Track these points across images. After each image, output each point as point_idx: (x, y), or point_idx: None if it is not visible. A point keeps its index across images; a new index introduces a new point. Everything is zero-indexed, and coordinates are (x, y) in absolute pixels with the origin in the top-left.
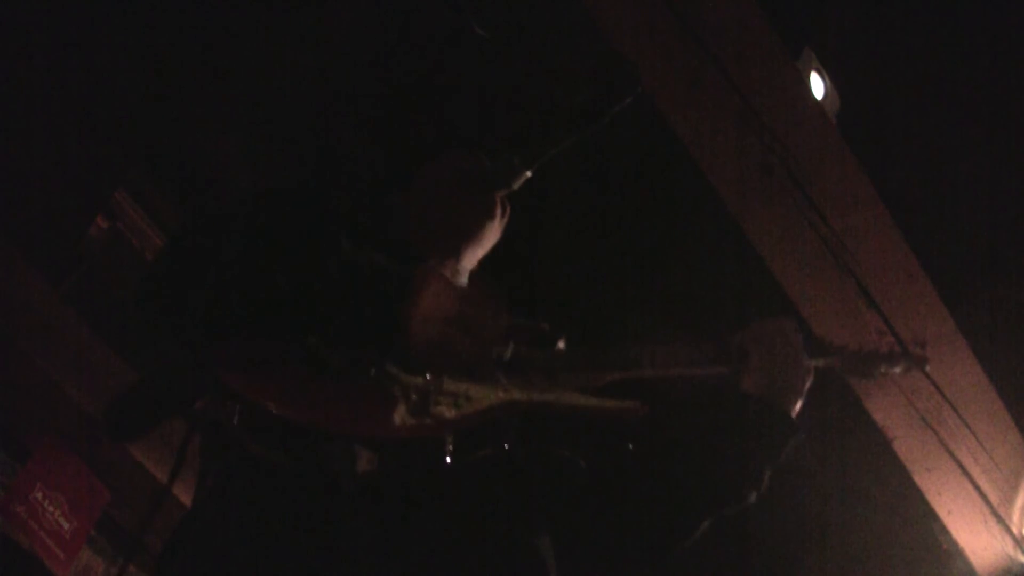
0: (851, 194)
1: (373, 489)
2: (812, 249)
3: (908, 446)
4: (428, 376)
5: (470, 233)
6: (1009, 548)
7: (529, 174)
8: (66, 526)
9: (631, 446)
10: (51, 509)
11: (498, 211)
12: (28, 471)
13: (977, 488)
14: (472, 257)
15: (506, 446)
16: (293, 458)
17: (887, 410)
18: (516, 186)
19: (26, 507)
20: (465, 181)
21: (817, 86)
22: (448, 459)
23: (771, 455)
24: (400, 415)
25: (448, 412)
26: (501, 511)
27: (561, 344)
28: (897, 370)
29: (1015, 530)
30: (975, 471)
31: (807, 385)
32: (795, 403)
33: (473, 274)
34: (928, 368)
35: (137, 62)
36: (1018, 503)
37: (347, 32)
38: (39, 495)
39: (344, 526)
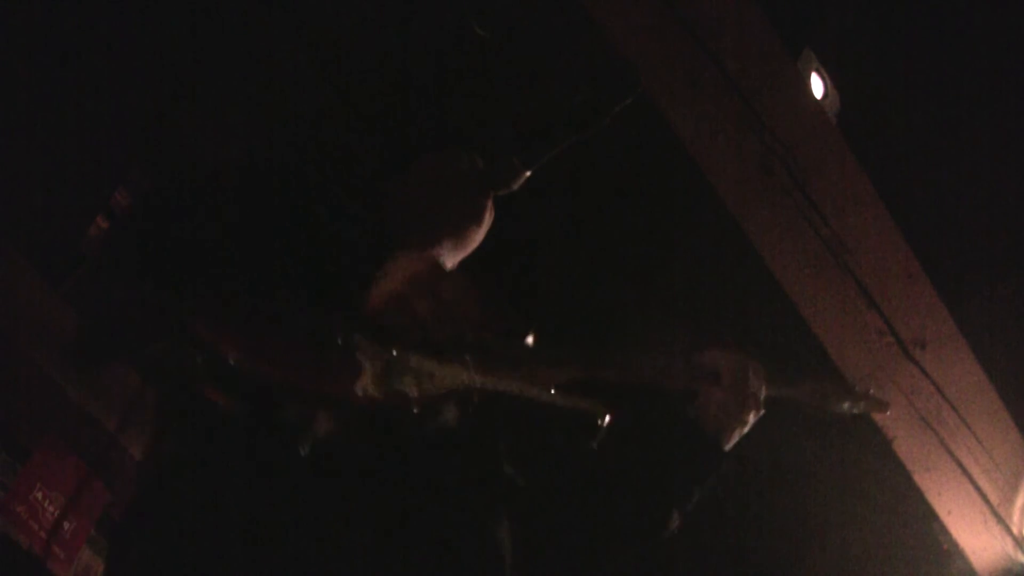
0: (851, 194)
1: (329, 454)
2: (812, 249)
3: (908, 446)
4: (394, 351)
5: (454, 232)
6: (1009, 548)
7: (529, 174)
8: (66, 526)
9: (593, 446)
10: (51, 509)
11: (486, 216)
12: (28, 471)
13: (977, 488)
14: (452, 257)
15: (465, 428)
16: (252, 411)
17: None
18: (516, 186)
19: (26, 507)
20: (457, 180)
21: (817, 86)
22: (406, 434)
23: (698, 484)
24: (362, 384)
25: (410, 388)
26: (458, 494)
27: (529, 339)
28: (856, 411)
29: (1015, 530)
30: (975, 471)
31: (752, 421)
32: (736, 436)
33: (455, 266)
34: (926, 360)
35: (137, 62)
36: (1018, 503)
37: (347, 32)
38: (39, 495)
39: (298, 489)
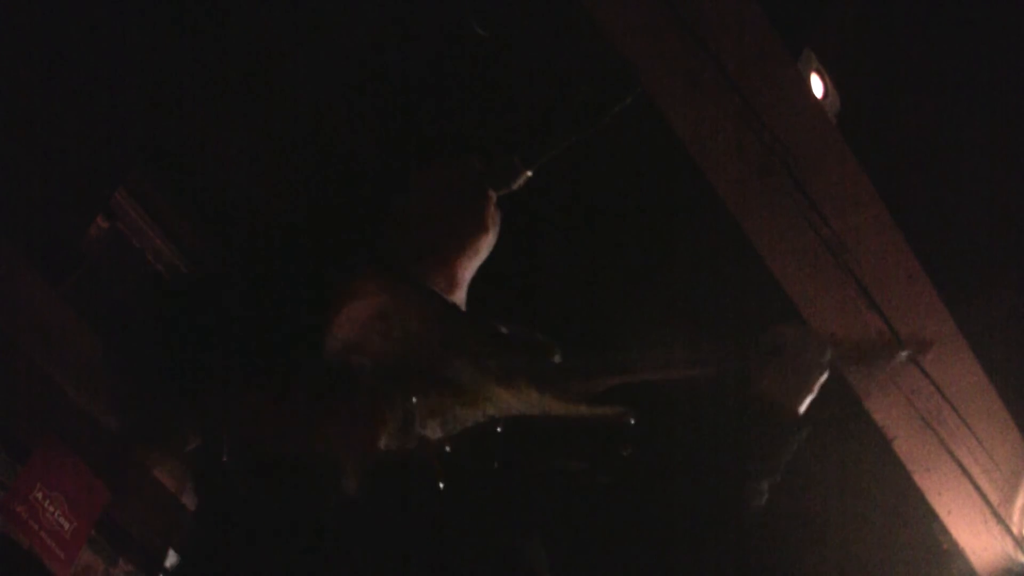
0: (851, 194)
1: (360, 509)
2: (812, 249)
3: (908, 446)
4: (414, 399)
5: (464, 242)
6: (1009, 548)
7: (529, 174)
8: (66, 526)
9: (625, 453)
10: (51, 509)
11: (490, 221)
12: (28, 471)
13: (977, 488)
14: (467, 268)
15: (495, 463)
16: (279, 487)
17: (887, 410)
18: (516, 186)
19: (26, 507)
20: (460, 189)
21: (817, 86)
22: (437, 479)
23: (780, 454)
24: (385, 436)
25: (433, 432)
26: (494, 526)
27: (557, 356)
28: (899, 360)
29: (1015, 530)
30: (975, 471)
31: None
32: (807, 401)
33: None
34: (926, 360)
35: (137, 62)
36: (1018, 503)
37: (347, 32)
38: (39, 495)
39: (332, 547)
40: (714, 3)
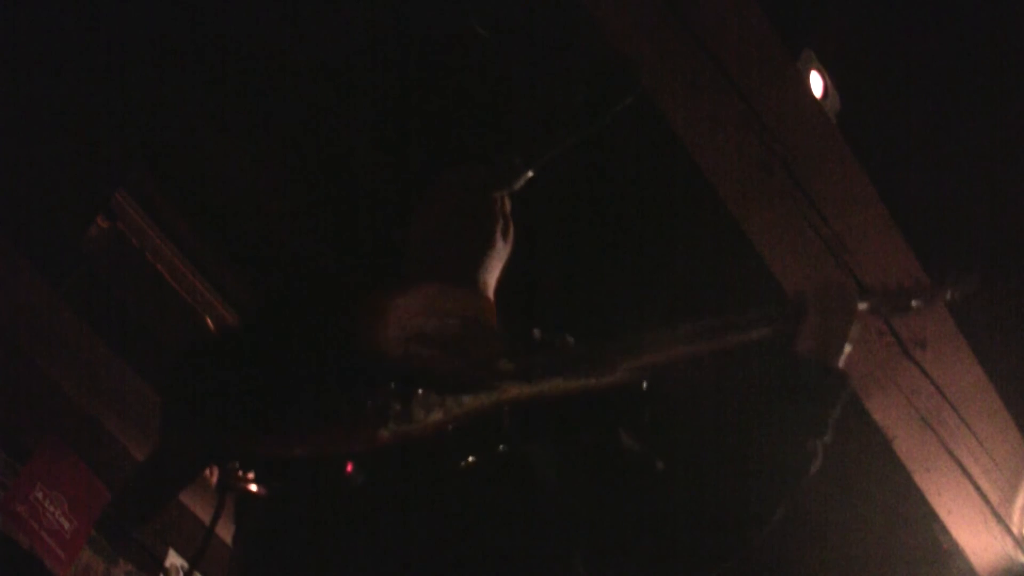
0: (851, 194)
1: (369, 500)
2: (812, 249)
3: (908, 446)
4: (419, 390)
5: (479, 256)
6: (1009, 548)
7: (530, 174)
8: (66, 526)
9: (645, 422)
10: (51, 509)
11: (500, 229)
12: (28, 471)
13: (977, 488)
14: (490, 275)
15: (501, 446)
16: (292, 489)
17: (887, 410)
18: (517, 186)
19: (26, 507)
20: (463, 206)
21: (817, 86)
22: (443, 462)
23: (829, 413)
24: (387, 430)
25: (436, 416)
26: (507, 512)
27: (569, 340)
28: (939, 301)
29: (1015, 530)
30: (975, 471)
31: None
32: (844, 351)
33: (461, 290)
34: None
35: (137, 62)
36: (1018, 503)
37: (347, 32)
38: (39, 495)
39: (346, 541)
40: (714, 3)
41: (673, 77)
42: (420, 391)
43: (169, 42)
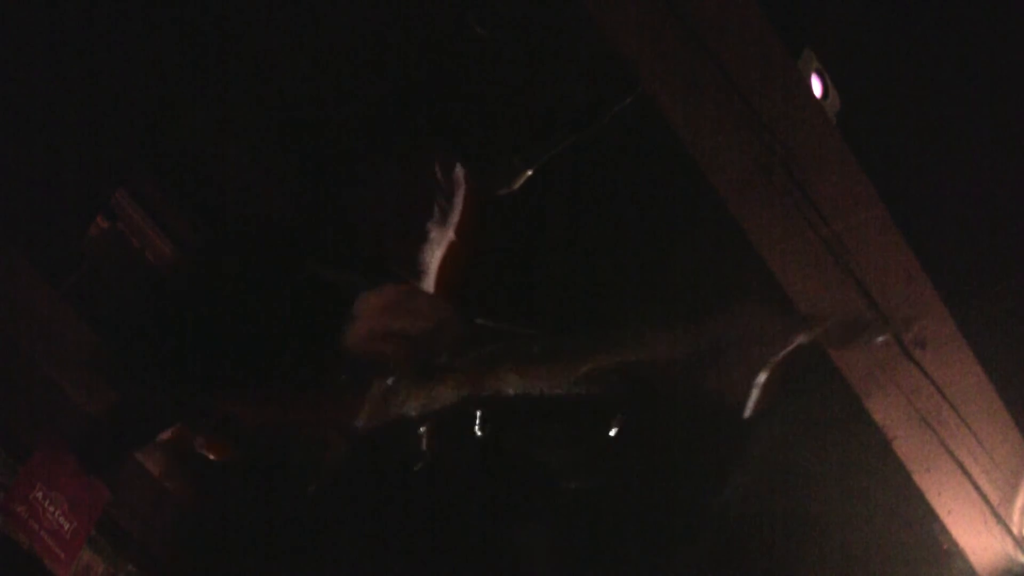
0: (851, 194)
1: (342, 482)
2: (812, 249)
3: (908, 446)
4: (392, 377)
5: (427, 232)
6: (1009, 548)
7: (529, 173)
8: (66, 526)
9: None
10: (51, 509)
11: (441, 206)
12: (28, 471)
13: (977, 488)
14: (432, 254)
15: (471, 442)
16: (268, 458)
17: (887, 410)
18: (516, 185)
19: (26, 507)
20: (411, 178)
21: (817, 86)
22: (415, 455)
23: (741, 451)
24: (363, 414)
25: (412, 411)
26: (470, 505)
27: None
28: (879, 339)
29: (1015, 530)
30: (975, 471)
31: (772, 377)
32: (759, 396)
33: (421, 286)
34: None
35: (137, 62)
36: (1018, 503)
37: (347, 32)
38: (39, 495)
39: (318, 517)
40: (714, 3)
41: (673, 77)
42: (388, 381)
43: (170, 41)
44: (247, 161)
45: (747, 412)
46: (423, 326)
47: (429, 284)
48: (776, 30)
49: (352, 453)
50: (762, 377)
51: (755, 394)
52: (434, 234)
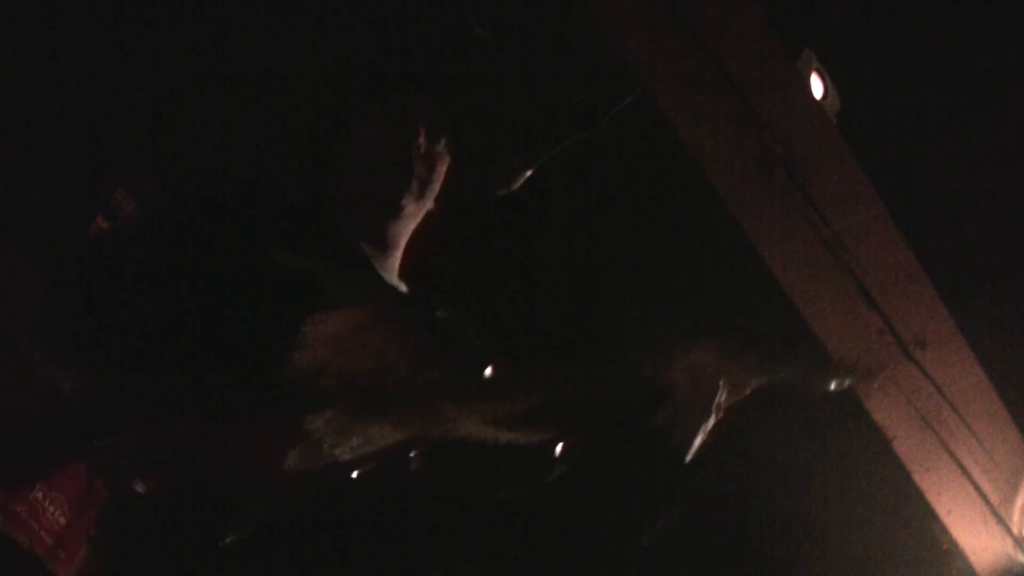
0: (851, 194)
1: (271, 532)
2: (812, 249)
3: (908, 446)
4: (327, 416)
5: (398, 204)
6: (1009, 548)
7: (529, 173)
8: (66, 526)
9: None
10: (51, 509)
11: (416, 177)
12: (28, 471)
13: (977, 488)
14: (419, 208)
15: (407, 484)
16: (187, 501)
17: (887, 410)
18: (516, 185)
19: (26, 507)
20: (383, 144)
21: (817, 86)
22: (350, 501)
23: (667, 502)
24: (296, 457)
25: (344, 454)
26: (409, 551)
27: (488, 370)
28: (843, 386)
29: (1015, 530)
30: (975, 471)
31: (712, 424)
32: (697, 445)
33: (385, 300)
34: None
35: (137, 61)
36: (1018, 503)
37: (347, 32)
38: (39, 495)
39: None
40: (714, 3)
41: (673, 77)
42: (325, 417)
43: (170, 41)
44: (249, 161)
45: (688, 456)
46: (370, 365)
47: (395, 262)
48: (776, 30)
49: (276, 506)
50: (709, 423)
51: (699, 440)
52: (409, 208)
